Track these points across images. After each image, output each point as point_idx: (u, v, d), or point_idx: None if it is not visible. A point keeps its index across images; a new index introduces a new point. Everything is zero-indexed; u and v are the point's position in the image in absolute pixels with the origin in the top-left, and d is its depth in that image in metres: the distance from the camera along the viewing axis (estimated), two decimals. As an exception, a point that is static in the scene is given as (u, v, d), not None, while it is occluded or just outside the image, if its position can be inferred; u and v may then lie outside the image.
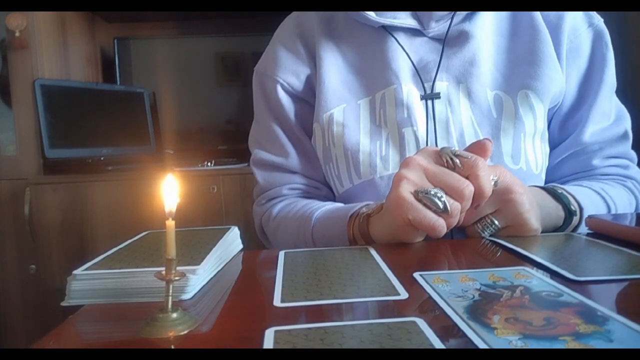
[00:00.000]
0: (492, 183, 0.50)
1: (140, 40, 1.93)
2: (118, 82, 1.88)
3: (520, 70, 0.69)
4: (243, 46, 1.91)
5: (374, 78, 0.71)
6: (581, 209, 0.58)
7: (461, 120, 0.67)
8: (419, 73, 0.69)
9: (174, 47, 1.95)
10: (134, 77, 1.91)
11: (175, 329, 0.31)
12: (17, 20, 1.51)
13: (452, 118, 0.67)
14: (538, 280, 0.37)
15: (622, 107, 0.74)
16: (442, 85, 0.69)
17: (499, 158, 0.66)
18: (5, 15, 1.51)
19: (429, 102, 0.68)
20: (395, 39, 0.71)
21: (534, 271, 0.40)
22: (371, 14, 0.70)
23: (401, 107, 0.68)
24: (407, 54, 0.70)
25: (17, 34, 1.51)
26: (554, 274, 0.39)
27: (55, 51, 1.68)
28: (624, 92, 0.75)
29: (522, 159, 0.67)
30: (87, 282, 0.39)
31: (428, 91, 0.69)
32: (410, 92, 0.69)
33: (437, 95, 0.68)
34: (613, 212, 0.65)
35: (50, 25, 1.65)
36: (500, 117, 0.67)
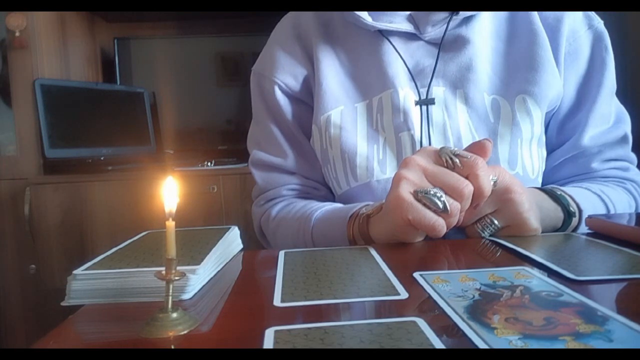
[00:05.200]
0: (492, 183, 0.50)
1: (140, 40, 1.93)
2: (118, 82, 1.88)
3: (518, 75, 0.68)
4: (243, 46, 1.91)
5: (370, 82, 0.71)
6: (580, 210, 0.58)
7: (458, 125, 0.67)
8: (414, 78, 0.69)
9: (174, 47, 1.95)
10: (134, 77, 1.91)
11: (175, 329, 0.32)
12: (17, 20, 1.51)
13: (449, 123, 0.67)
14: (538, 280, 0.37)
15: (623, 109, 0.73)
16: (439, 90, 0.69)
17: (496, 163, 0.66)
18: (5, 15, 1.51)
19: (424, 107, 0.68)
20: (391, 43, 0.71)
21: (534, 271, 0.40)
22: (367, 19, 0.70)
23: (398, 111, 0.68)
24: (402, 58, 0.70)
25: (17, 34, 1.51)
26: (554, 274, 0.39)
27: (55, 51, 1.68)
28: (624, 93, 0.75)
29: (519, 164, 0.67)
30: (87, 282, 0.39)
31: (423, 96, 0.68)
32: (406, 96, 0.69)
33: (432, 101, 0.68)
34: (612, 213, 0.65)
35: (50, 25, 1.65)
36: (497, 122, 0.67)
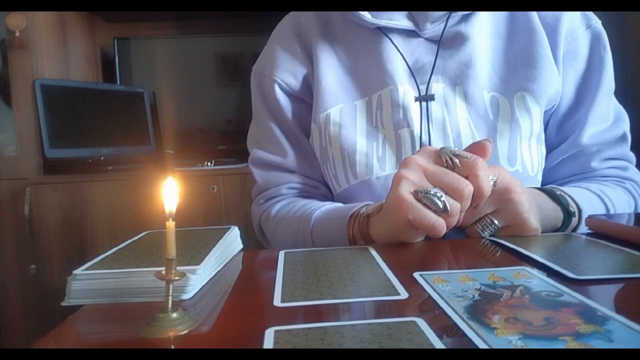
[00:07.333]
0: (491, 183, 0.50)
1: (140, 40, 1.93)
2: (118, 82, 1.88)
3: (517, 72, 0.69)
4: (243, 46, 1.91)
5: (370, 79, 0.71)
6: (580, 210, 0.58)
7: (458, 121, 0.67)
8: (414, 74, 0.69)
9: (174, 47, 1.95)
10: (134, 77, 1.91)
11: (175, 329, 0.32)
12: (17, 20, 1.51)
13: (448, 119, 0.67)
14: (538, 280, 0.37)
15: (621, 108, 0.73)
16: (439, 87, 0.69)
17: (495, 160, 0.66)
18: (5, 15, 1.51)
19: (424, 103, 0.68)
20: (391, 40, 0.71)
21: (534, 271, 0.40)
22: (367, 16, 0.70)
23: (397, 108, 0.68)
24: (402, 55, 0.70)
25: (17, 34, 1.51)
26: (554, 274, 0.39)
27: (55, 51, 1.68)
28: (623, 94, 0.75)
29: (519, 161, 0.67)
30: (87, 282, 0.39)
31: (423, 93, 0.69)
32: (406, 93, 0.69)
33: (432, 97, 0.68)
34: (612, 213, 0.65)
35: (50, 25, 1.65)
36: (496, 119, 0.67)
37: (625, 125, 0.72)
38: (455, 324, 0.30)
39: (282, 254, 0.49)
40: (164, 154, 1.84)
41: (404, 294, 0.36)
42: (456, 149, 0.51)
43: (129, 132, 1.79)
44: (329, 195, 0.78)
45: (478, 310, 0.32)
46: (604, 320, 0.29)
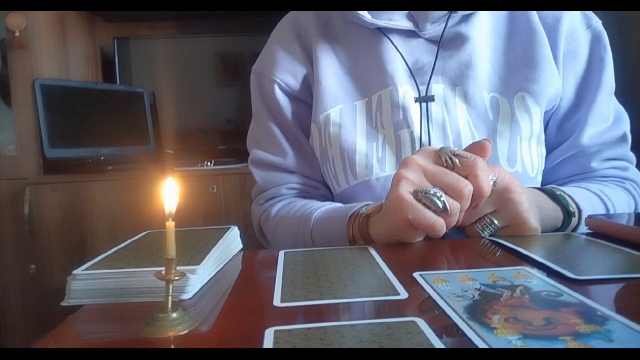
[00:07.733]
0: (491, 183, 0.50)
1: (140, 40, 1.93)
2: (118, 82, 1.88)
3: (517, 73, 0.69)
4: (243, 46, 1.91)
5: (370, 80, 0.71)
6: (580, 210, 0.58)
7: (458, 122, 0.67)
8: (414, 75, 0.69)
9: (174, 47, 1.95)
10: (134, 77, 1.91)
11: (175, 329, 0.32)
12: (17, 20, 1.51)
13: (448, 120, 0.67)
14: (538, 280, 0.37)
15: (622, 109, 0.73)
16: (439, 88, 0.69)
17: (495, 161, 0.66)
18: (5, 15, 1.51)
19: (424, 104, 0.68)
20: (391, 41, 0.71)
21: (534, 271, 0.40)
22: (367, 16, 0.70)
23: (397, 109, 0.68)
24: (402, 56, 0.70)
25: (17, 34, 1.51)
26: (554, 274, 0.39)
27: (55, 51, 1.68)
28: (623, 94, 0.75)
29: (519, 162, 0.67)
30: (87, 282, 0.39)
31: (423, 94, 0.69)
32: (406, 94, 0.69)
33: (432, 98, 0.68)
34: (612, 213, 0.65)
35: (50, 25, 1.65)
36: (496, 120, 0.67)
37: (625, 126, 0.72)
38: (455, 324, 0.30)
39: (282, 254, 0.49)
40: (164, 154, 1.84)
41: (404, 294, 0.36)
42: (456, 149, 0.51)
43: (129, 132, 1.79)
44: (329, 195, 0.78)
45: (478, 310, 0.32)
46: (604, 321, 0.29)
